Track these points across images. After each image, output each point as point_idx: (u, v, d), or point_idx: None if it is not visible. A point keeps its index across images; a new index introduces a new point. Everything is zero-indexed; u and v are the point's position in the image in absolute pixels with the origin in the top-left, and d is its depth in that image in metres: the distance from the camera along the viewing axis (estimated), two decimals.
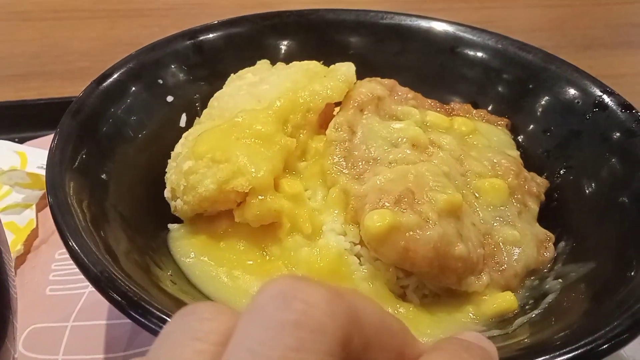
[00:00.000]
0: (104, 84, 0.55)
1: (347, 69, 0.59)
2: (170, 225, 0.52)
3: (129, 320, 0.39)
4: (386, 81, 0.61)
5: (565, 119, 0.60)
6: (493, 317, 0.48)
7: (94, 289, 0.41)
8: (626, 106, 0.57)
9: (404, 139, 0.55)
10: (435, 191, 0.49)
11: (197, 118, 0.61)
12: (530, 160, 0.61)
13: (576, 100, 0.60)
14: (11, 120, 0.70)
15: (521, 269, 0.50)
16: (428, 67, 0.70)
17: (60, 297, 0.54)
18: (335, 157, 0.53)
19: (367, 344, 0.21)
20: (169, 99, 0.61)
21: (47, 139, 0.66)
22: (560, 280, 0.49)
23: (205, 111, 0.58)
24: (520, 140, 0.64)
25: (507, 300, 0.48)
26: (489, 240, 0.51)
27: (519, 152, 0.61)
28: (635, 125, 0.54)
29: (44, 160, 0.59)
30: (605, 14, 0.97)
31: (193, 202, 0.50)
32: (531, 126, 0.64)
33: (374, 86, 0.59)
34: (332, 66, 0.60)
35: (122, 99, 0.56)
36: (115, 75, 0.56)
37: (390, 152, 0.53)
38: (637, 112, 0.56)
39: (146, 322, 0.37)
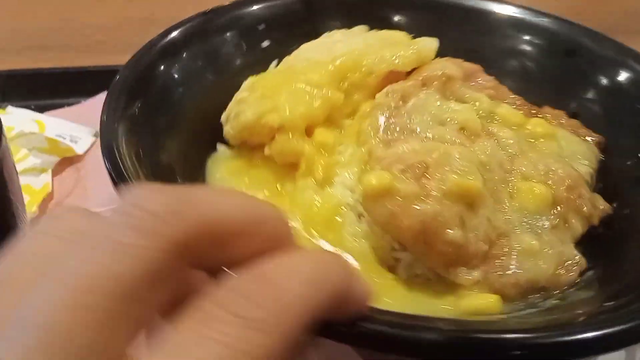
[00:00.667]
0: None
1: (427, 43, 0.58)
2: (218, 145, 0.58)
3: None
4: (468, 64, 0.59)
5: None
6: (468, 314, 0.44)
7: None
8: None
9: (455, 121, 0.53)
10: (454, 173, 0.47)
11: None
12: (610, 186, 0.54)
13: None
14: (29, 88, 0.72)
15: (525, 281, 0.46)
16: (538, 66, 0.65)
17: None
18: (375, 120, 0.53)
19: (224, 241, 0.21)
20: (265, 44, 0.66)
21: (66, 110, 0.69)
22: (559, 300, 0.44)
23: (285, 58, 0.63)
24: (609, 161, 0.57)
25: (489, 302, 0.44)
26: (502, 242, 0.47)
27: (591, 171, 0.54)
28: None
29: (62, 130, 0.64)
30: (623, 1, 0.80)
31: (236, 129, 0.55)
32: (627, 150, 0.56)
33: (447, 65, 0.57)
34: (416, 39, 0.60)
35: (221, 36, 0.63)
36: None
37: (432, 128, 0.52)
38: None
39: None
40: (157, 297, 0.19)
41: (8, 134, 0.60)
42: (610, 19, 0.89)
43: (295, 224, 0.49)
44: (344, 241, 0.48)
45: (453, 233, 0.45)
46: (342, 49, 0.57)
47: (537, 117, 0.58)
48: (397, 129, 0.52)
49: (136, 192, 0.20)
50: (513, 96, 0.59)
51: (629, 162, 0.55)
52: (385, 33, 0.61)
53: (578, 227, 0.49)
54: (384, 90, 0.55)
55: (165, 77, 0.55)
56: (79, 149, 0.64)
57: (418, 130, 0.52)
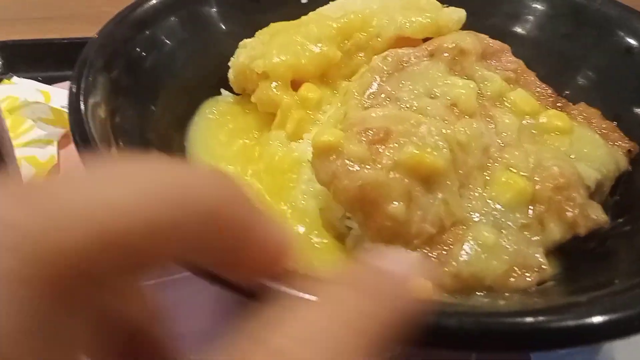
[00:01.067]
0: None
1: (449, 12, 0.54)
2: (222, 90, 0.58)
3: None
4: (493, 42, 0.53)
5: None
6: None
7: None
8: None
9: (447, 95, 0.48)
10: (415, 145, 0.43)
11: None
12: (627, 199, 0.47)
13: None
14: (35, 59, 0.69)
15: (469, 274, 0.41)
16: (593, 60, 0.57)
17: None
18: (364, 83, 0.50)
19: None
20: None
21: None
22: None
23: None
24: (636, 175, 0.48)
25: (421, 288, 0.40)
26: (457, 231, 0.43)
27: (599, 177, 0.46)
28: None
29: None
30: None
31: (232, 72, 0.55)
32: None
33: (463, 38, 0.52)
34: (444, 8, 0.55)
35: None
36: None
37: (419, 99, 0.48)
38: None
39: None
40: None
41: (13, 104, 0.61)
42: None
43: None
44: (295, 199, 0.46)
45: (394, 207, 0.41)
46: (355, 7, 0.55)
47: (560, 110, 0.51)
48: (382, 95, 0.49)
49: None
50: (539, 84, 0.53)
51: None
52: None
53: (555, 232, 0.43)
54: (384, 53, 0.52)
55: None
56: None
57: (404, 98, 0.48)
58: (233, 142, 0.52)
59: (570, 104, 0.53)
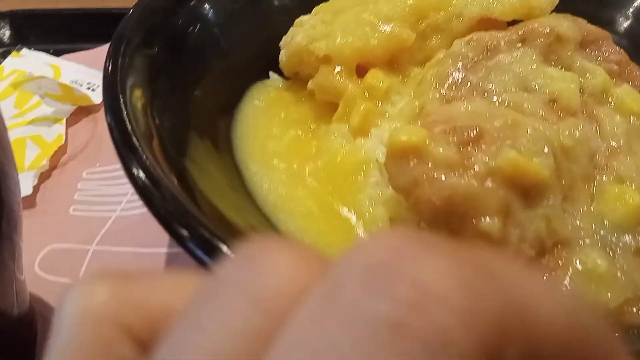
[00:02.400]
0: None
1: None
2: (271, 73, 0.51)
3: (162, 250, 0.40)
4: (593, 28, 0.46)
5: None
6: None
7: (122, 213, 0.42)
8: None
9: (546, 90, 0.41)
10: (514, 148, 0.36)
11: None
12: None
13: None
14: (47, 30, 0.63)
15: None
16: None
17: (84, 219, 0.48)
18: (443, 71, 0.43)
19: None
20: None
21: (84, 54, 0.61)
22: None
23: None
24: None
25: None
26: (560, 252, 0.36)
27: None
28: None
29: (79, 76, 0.57)
30: None
31: (287, 54, 0.48)
32: None
33: (561, 23, 0.44)
34: None
35: None
36: None
37: (511, 93, 0.41)
38: None
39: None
40: None
41: (18, 78, 0.56)
42: None
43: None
44: (360, 205, 0.40)
45: (488, 223, 0.34)
46: None
47: None
48: (468, 85, 0.42)
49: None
50: None
51: None
52: None
53: None
54: (468, 37, 0.44)
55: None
56: (97, 98, 0.56)
57: (493, 90, 0.41)
58: (285, 134, 0.45)
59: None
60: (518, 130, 0.37)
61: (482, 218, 0.34)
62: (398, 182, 0.36)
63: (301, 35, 0.46)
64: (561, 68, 0.43)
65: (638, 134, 0.41)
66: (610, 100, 0.43)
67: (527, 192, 0.35)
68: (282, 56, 0.49)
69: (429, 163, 0.35)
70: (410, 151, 0.36)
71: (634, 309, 0.34)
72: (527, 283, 0.11)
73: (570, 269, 0.35)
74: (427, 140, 0.36)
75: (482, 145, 0.36)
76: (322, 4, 0.49)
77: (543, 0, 0.46)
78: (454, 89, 0.42)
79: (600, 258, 0.35)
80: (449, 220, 0.35)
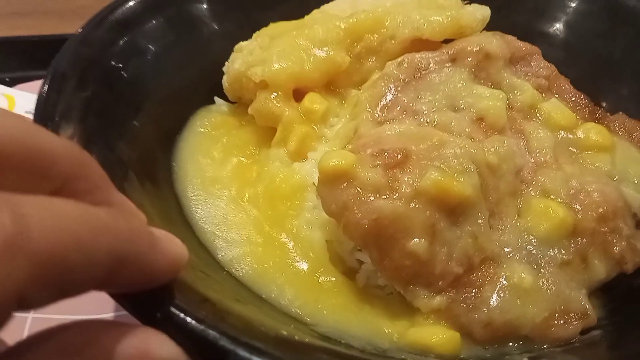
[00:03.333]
0: None
1: (472, 11, 0.47)
2: (216, 98, 0.52)
3: (109, 315, 0.39)
4: (522, 44, 0.47)
5: None
6: (414, 347, 0.35)
7: None
8: None
9: (473, 108, 0.42)
10: (440, 170, 0.37)
11: None
12: None
13: None
14: (2, 58, 0.63)
15: (502, 323, 0.35)
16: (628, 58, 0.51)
17: None
18: (376, 93, 0.44)
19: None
20: None
21: (38, 83, 0.61)
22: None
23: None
24: None
25: (442, 339, 0.34)
26: (487, 269, 0.37)
27: None
28: None
29: (33, 106, 0.58)
30: None
31: (228, 80, 0.49)
32: None
33: (490, 40, 0.46)
34: (466, 5, 0.49)
35: None
36: None
37: (441, 112, 0.42)
38: None
39: None
40: None
41: None
42: None
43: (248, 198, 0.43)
44: (298, 229, 0.40)
45: (416, 243, 0.35)
46: (366, 5, 0.48)
47: (596, 122, 0.45)
48: (398, 107, 0.43)
49: None
50: (574, 92, 0.46)
51: None
52: None
53: (600, 270, 0.37)
54: (399, 58, 0.45)
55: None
56: None
57: (424, 111, 0.42)
58: (227, 161, 0.46)
59: (608, 114, 0.47)
60: (443, 150, 0.38)
61: (410, 239, 0.35)
62: (329, 206, 0.37)
63: (239, 62, 0.47)
64: (490, 85, 0.45)
65: (565, 148, 0.42)
66: (538, 115, 0.44)
67: (453, 210, 0.36)
68: (225, 82, 0.50)
69: (357, 187, 0.36)
70: (339, 175, 0.37)
71: (561, 322, 0.35)
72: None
73: (498, 285, 0.36)
74: (354, 164, 0.37)
75: (408, 167, 0.37)
76: (262, 29, 0.50)
77: (473, 19, 0.47)
78: (386, 110, 0.43)
79: (525, 272, 0.36)
80: (378, 242, 0.36)
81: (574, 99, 0.46)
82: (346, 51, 0.46)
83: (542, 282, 0.36)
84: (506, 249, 0.37)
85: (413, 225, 0.35)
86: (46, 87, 0.37)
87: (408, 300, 0.37)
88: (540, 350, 0.35)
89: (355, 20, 0.47)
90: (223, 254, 0.38)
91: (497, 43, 0.46)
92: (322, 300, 0.37)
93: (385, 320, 0.37)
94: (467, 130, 0.41)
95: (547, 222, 0.38)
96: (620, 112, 0.47)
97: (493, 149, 0.40)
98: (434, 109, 0.42)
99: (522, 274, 0.36)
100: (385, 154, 0.37)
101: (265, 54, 0.45)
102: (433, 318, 0.36)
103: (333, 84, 0.47)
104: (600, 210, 0.38)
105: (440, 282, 0.36)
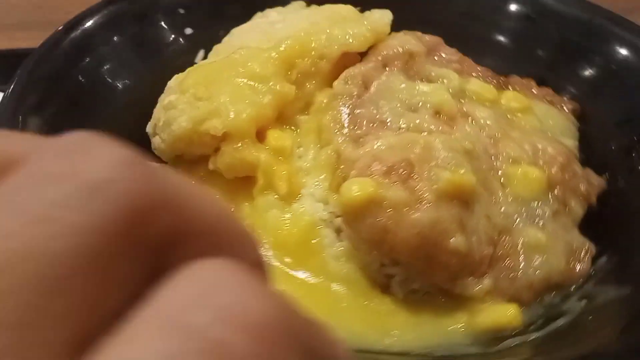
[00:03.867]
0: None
1: (379, 16, 0.50)
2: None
3: None
4: (428, 37, 0.52)
5: None
6: (487, 332, 0.38)
7: None
8: None
9: (427, 104, 0.45)
10: (442, 168, 0.40)
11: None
12: (595, 157, 0.50)
13: None
14: (3, 70, 0.60)
15: (539, 280, 0.40)
16: (495, 32, 0.59)
17: None
18: (337, 114, 0.45)
19: (182, 233, 0.14)
20: (188, 31, 0.55)
21: None
22: (585, 301, 0.39)
23: (215, 47, 0.53)
24: (588, 130, 0.52)
25: (508, 315, 0.38)
26: (506, 240, 0.41)
27: (576, 143, 0.49)
28: None
29: None
30: None
31: (168, 141, 0.45)
32: (606, 115, 0.51)
33: (407, 40, 0.50)
34: (365, 13, 0.52)
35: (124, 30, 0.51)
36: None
37: (404, 116, 0.44)
38: None
39: None
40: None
41: None
42: None
43: (266, 253, 0.40)
44: (326, 266, 0.40)
45: (455, 240, 0.38)
46: (284, 32, 0.48)
47: (508, 89, 0.52)
48: (364, 121, 0.44)
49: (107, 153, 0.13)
50: (480, 68, 0.53)
51: (610, 129, 0.50)
52: (329, 8, 0.52)
53: (578, 209, 0.44)
54: (342, 76, 0.47)
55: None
56: None
57: (388, 120, 0.44)
58: None
59: (507, 78, 0.54)
60: (433, 151, 0.41)
61: (449, 239, 0.38)
62: (367, 235, 0.38)
63: (184, 118, 0.43)
64: (423, 80, 0.49)
65: (504, 118, 0.48)
66: (469, 96, 0.49)
67: (466, 201, 0.40)
68: (159, 143, 0.46)
69: (390, 208, 0.37)
70: (368, 203, 0.37)
71: (576, 261, 0.41)
72: (186, 187, 0.14)
73: (521, 251, 0.40)
74: (376, 188, 0.37)
75: (417, 175, 0.39)
76: (181, 79, 0.47)
77: (383, 24, 0.50)
78: (354, 128, 0.44)
79: (536, 231, 0.41)
80: (426, 251, 0.37)
81: (481, 74, 0.52)
82: (286, 80, 0.46)
83: (550, 234, 0.42)
84: (512, 218, 0.42)
85: (447, 226, 0.38)
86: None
87: (458, 292, 0.39)
88: (571, 290, 0.41)
89: (284, 48, 0.46)
90: None
91: (412, 41, 0.50)
92: (389, 324, 0.38)
93: (445, 319, 0.39)
94: (432, 127, 0.44)
95: (529, 184, 0.43)
96: (514, 75, 0.55)
97: (462, 137, 0.44)
98: (397, 115, 0.45)
99: (535, 234, 0.41)
100: (394, 169, 0.39)
101: (213, 104, 0.43)
102: (488, 300, 0.39)
103: (282, 117, 0.46)
104: (559, 160, 0.45)
105: (482, 267, 0.39)
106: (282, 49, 0.46)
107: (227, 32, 0.55)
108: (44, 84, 0.42)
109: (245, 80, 0.44)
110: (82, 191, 0.13)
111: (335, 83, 0.46)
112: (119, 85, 0.48)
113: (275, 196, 0.42)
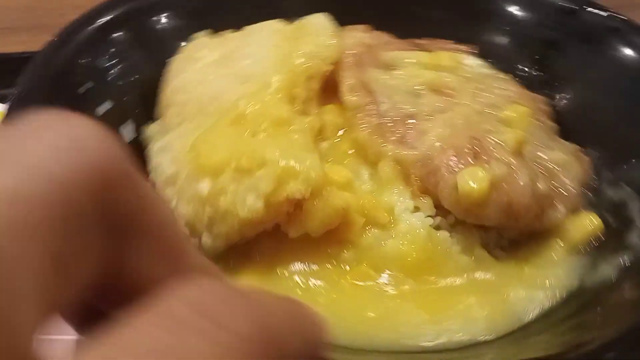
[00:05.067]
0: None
1: (322, 20, 0.49)
2: None
3: None
4: (360, 26, 0.53)
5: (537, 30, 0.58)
6: (581, 243, 0.44)
7: None
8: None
9: (422, 87, 0.47)
10: (495, 132, 0.43)
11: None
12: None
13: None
14: None
15: (578, 186, 0.47)
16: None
17: None
18: (368, 126, 0.44)
19: (137, 222, 0.15)
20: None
21: None
22: (629, 188, 0.47)
23: (169, 112, 0.44)
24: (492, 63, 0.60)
25: (590, 221, 0.44)
26: (544, 169, 0.47)
27: (510, 75, 0.57)
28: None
29: None
30: None
31: (230, 232, 0.38)
32: (500, 45, 0.60)
33: (358, 35, 0.50)
34: (300, 22, 0.50)
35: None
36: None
37: (419, 105, 0.46)
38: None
39: None
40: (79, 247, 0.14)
41: None
42: None
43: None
44: (458, 263, 0.40)
45: (542, 184, 0.42)
46: (261, 66, 0.44)
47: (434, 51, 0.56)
48: (396, 123, 0.44)
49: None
50: (403, 42, 0.56)
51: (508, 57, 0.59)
52: (268, 27, 0.48)
53: (552, 124, 0.53)
54: (345, 89, 0.45)
55: None
56: None
57: (414, 113, 0.45)
58: (331, 303, 0.39)
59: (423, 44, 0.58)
60: (473, 120, 0.44)
61: (539, 185, 0.42)
62: (495, 216, 0.40)
63: (252, 197, 0.37)
64: (395, 68, 0.50)
65: (465, 78, 0.52)
66: (428, 68, 0.52)
67: (522, 151, 0.44)
68: (214, 239, 0.38)
69: (504, 184, 0.39)
70: (490, 189, 0.39)
71: (583, 163, 0.49)
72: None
73: (554, 169, 0.46)
74: (488, 172, 0.39)
75: (486, 144, 0.42)
76: (188, 170, 0.39)
77: (330, 27, 0.49)
78: (391, 132, 0.44)
79: (552, 152, 0.47)
80: (537, 205, 0.41)
81: (413, 47, 0.56)
82: (302, 113, 0.42)
83: (560, 150, 0.49)
84: (535, 152, 0.48)
85: (533, 177, 0.42)
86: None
87: (546, 227, 0.44)
88: (595, 183, 0.49)
89: (279, 82, 0.42)
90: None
91: (359, 34, 0.50)
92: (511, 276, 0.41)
93: (546, 251, 0.43)
94: (441, 104, 0.46)
95: (523, 118, 0.49)
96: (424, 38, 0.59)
97: (471, 102, 0.47)
98: (413, 105, 0.45)
99: (555, 154, 0.47)
100: (472, 149, 0.41)
101: (273, 168, 0.37)
102: (565, 221, 0.45)
103: None
104: (524, 93, 0.52)
105: (549, 198, 0.45)
106: (278, 83, 0.42)
107: None
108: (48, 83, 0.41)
109: (275, 130, 0.40)
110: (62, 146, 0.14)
111: (346, 98, 0.44)
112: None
113: (377, 228, 0.40)
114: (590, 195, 0.48)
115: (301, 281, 0.39)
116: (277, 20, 0.49)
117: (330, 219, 0.39)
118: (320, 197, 0.38)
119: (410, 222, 0.40)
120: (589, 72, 0.54)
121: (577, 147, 0.51)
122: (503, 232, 0.43)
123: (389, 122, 0.44)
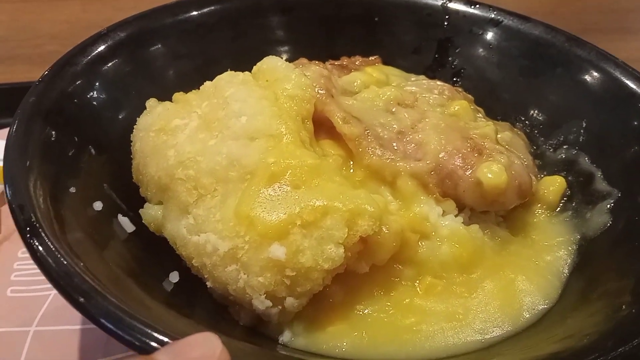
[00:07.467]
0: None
1: (281, 64, 0.48)
2: None
3: None
4: (304, 61, 0.54)
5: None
6: (557, 202, 0.51)
7: None
8: None
9: (390, 102, 0.51)
10: (474, 128, 0.49)
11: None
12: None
13: None
14: None
15: (529, 156, 0.53)
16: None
17: (23, 299, 0.48)
18: (374, 150, 0.45)
19: None
20: None
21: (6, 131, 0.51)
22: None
23: (178, 190, 0.41)
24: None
25: (558, 181, 0.51)
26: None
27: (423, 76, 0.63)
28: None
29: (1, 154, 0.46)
30: None
31: (314, 287, 0.37)
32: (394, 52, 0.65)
33: (315, 69, 0.51)
34: (255, 70, 0.48)
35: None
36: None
37: (398, 119, 0.49)
38: None
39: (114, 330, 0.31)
40: None
41: None
42: (587, 16, 0.92)
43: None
44: (495, 252, 0.45)
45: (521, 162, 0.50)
46: (260, 120, 0.42)
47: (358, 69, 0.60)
48: (393, 141, 0.47)
49: None
50: (336, 62, 0.58)
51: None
52: (236, 83, 0.46)
53: (479, 108, 0.60)
54: (338, 121, 0.46)
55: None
56: None
57: (402, 129, 0.48)
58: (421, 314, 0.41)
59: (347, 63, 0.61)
60: (452, 122, 0.49)
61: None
62: (512, 199, 0.46)
63: (330, 247, 0.37)
64: (356, 93, 0.52)
65: (411, 82, 0.57)
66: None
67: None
68: (296, 300, 0.37)
69: (512, 171, 0.45)
70: (507, 178, 0.44)
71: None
72: None
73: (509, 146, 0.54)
74: (502, 162, 0.45)
75: (480, 142, 0.47)
76: (247, 241, 0.37)
77: (283, 66, 0.48)
78: (395, 150, 0.46)
79: (499, 130, 0.54)
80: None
81: (343, 70, 0.58)
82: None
83: (499, 127, 0.56)
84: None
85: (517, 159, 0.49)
86: (13, 134, 0.40)
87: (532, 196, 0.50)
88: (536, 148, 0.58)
89: (288, 131, 0.42)
90: None
91: (313, 67, 0.51)
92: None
93: (530, 218, 0.51)
94: (414, 113, 0.50)
95: (467, 110, 0.54)
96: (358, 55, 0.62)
97: (432, 110, 0.52)
98: (395, 122, 0.48)
99: (502, 131, 0.54)
100: (474, 148, 0.46)
101: (342, 212, 0.37)
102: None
103: None
104: (451, 90, 0.57)
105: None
106: (289, 133, 0.41)
107: None
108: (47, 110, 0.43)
109: (314, 177, 0.39)
110: None
111: (345, 130, 0.46)
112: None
113: (426, 240, 0.43)
114: (539, 161, 0.56)
115: (391, 312, 0.41)
116: (227, 73, 0.48)
117: (396, 244, 0.40)
118: (381, 227, 0.39)
119: (448, 226, 0.44)
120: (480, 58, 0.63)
121: (508, 123, 0.59)
122: (497, 212, 0.49)
123: (392, 142, 0.47)
